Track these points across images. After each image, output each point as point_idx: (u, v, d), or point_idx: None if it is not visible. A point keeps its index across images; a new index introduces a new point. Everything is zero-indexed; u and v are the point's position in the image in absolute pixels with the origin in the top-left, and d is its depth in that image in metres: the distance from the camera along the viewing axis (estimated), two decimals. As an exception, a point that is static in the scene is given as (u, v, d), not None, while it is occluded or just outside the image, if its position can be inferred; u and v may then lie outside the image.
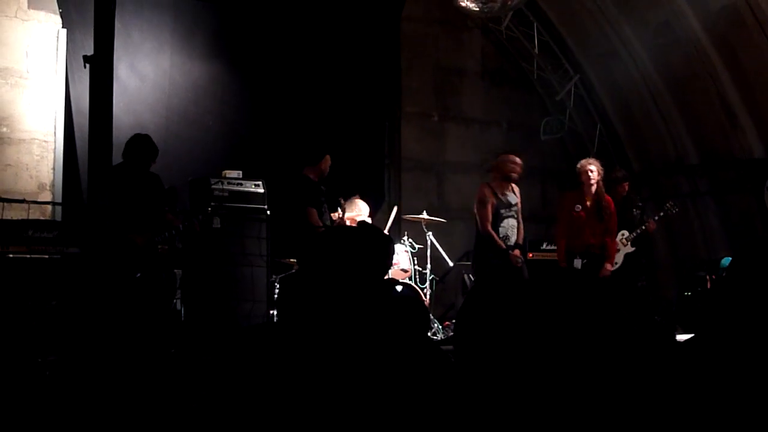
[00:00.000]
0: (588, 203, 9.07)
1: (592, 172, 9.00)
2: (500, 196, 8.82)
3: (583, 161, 9.25)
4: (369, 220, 9.71)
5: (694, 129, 11.68)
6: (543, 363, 1.90)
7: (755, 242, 2.33)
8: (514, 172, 8.90)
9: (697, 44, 10.77)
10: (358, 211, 9.81)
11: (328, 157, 9.18)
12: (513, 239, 8.88)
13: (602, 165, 9.27)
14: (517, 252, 8.84)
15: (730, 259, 2.36)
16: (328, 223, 9.05)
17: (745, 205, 11.27)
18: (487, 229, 8.71)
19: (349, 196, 9.73)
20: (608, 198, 9.21)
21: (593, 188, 9.03)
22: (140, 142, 8.15)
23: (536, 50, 12.29)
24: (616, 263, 9.65)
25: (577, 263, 9.07)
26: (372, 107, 11.87)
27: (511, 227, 8.86)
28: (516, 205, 8.96)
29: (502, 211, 8.80)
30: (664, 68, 11.43)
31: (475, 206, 8.92)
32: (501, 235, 8.76)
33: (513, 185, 9.00)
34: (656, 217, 10.05)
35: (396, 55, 12.15)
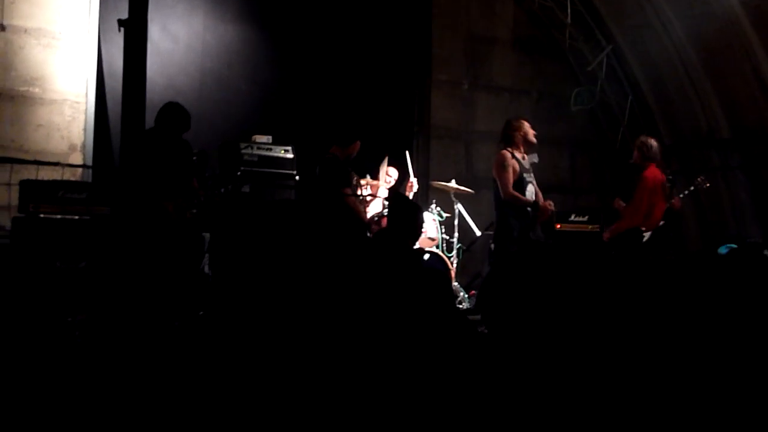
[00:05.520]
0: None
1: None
2: (521, 160, 8.39)
3: None
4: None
5: (727, 102, 11.56)
6: (566, 331, 1.91)
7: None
8: (533, 137, 8.49)
9: (733, 17, 10.64)
10: (388, 178, 9.84)
11: (358, 143, 8.65)
12: None
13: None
14: (548, 202, 8.41)
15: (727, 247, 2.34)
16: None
17: (777, 180, 11.20)
18: (510, 192, 8.20)
19: (378, 163, 9.71)
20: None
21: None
22: (174, 112, 8.12)
23: (569, 20, 12.18)
24: (645, 236, 9.65)
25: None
26: (402, 74, 11.83)
27: (531, 194, 8.41)
28: (533, 169, 8.61)
29: (525, 175, 8.37)
30: (698, 40, 11.31)
31: (494, 171, 8.38)
32: None
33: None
34: (684, 193, 9.94)
35: (427, 22, 12.09)
